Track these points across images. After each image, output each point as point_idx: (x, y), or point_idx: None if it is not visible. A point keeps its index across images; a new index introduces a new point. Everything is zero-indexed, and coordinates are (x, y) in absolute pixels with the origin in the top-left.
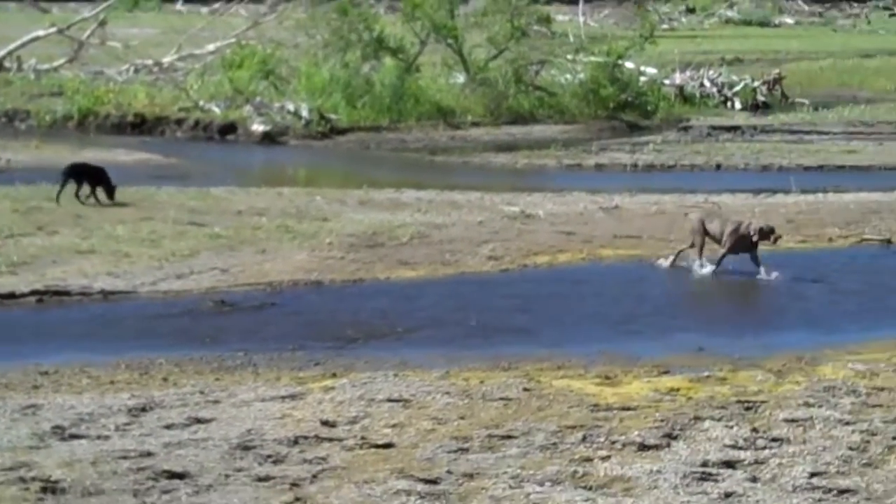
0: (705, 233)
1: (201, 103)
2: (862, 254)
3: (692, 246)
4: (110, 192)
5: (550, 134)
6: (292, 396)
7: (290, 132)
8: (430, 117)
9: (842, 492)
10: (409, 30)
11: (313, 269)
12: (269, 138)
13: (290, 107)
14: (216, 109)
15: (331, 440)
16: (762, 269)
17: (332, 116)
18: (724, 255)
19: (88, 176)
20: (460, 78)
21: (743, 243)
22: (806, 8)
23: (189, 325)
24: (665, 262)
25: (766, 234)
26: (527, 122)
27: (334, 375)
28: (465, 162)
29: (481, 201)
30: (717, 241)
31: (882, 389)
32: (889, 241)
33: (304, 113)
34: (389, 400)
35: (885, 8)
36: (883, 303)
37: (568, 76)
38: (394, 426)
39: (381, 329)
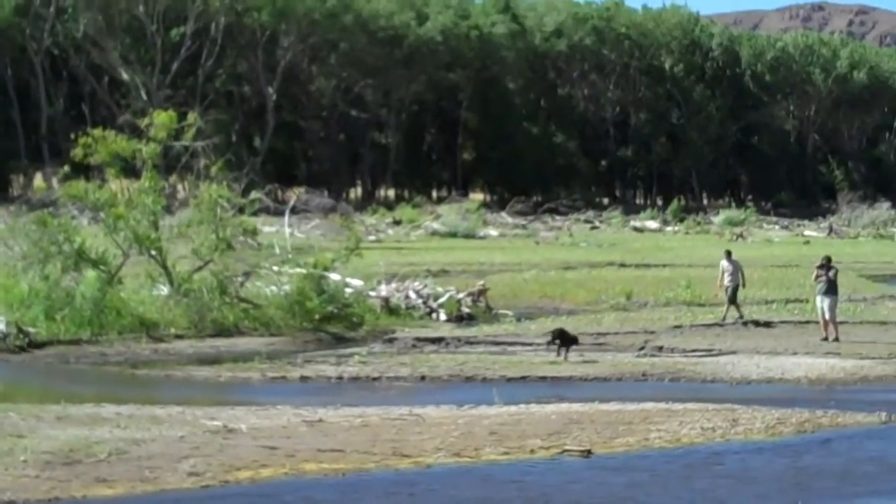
0: None
1: None
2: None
3: None
4: None
5: (255, 346)
6: None
7: None
8: (133, 330)
9: None
10: (111, 241)
11: (6, 488)
12: None
13: None
14: None
15: None
16: None
17: (31, 330)
18: None
19: None
20: (164, 290)
21: None
22: (510, 220)
23: None
24: None
25: None
26: (231, 335)
27: None
28: (167, 375)
29: (182, 416)
30: None
31: None
32: (589, 452)
33: (1, 326)
34: None
35: (587, 221)
36: None
37: (273, 288)
38: None
39: None
